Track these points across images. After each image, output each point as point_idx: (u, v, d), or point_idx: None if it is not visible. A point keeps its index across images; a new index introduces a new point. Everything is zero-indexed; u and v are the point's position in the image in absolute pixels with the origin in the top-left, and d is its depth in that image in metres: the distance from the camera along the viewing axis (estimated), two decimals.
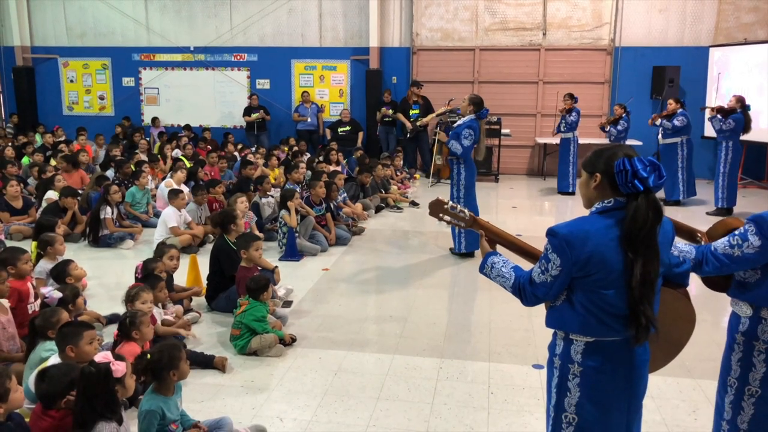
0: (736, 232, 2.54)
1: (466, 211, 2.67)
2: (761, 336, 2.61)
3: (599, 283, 2.17)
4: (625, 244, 2.13)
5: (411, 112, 12.25)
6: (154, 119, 13.90)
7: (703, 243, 2.85)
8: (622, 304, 2.17)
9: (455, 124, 7.11)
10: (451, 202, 2.67)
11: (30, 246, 5.88)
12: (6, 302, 4.17)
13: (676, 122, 9.60)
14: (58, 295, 4.19)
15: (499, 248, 2.64)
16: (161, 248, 5.28)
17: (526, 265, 2.44)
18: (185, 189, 8.21)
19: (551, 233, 2.22)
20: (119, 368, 2.89)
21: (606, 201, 2.22)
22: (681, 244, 2.58)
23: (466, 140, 6.75)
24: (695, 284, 2.79)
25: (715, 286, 2.79)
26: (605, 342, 2.22)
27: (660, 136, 10.04)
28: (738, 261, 2.52)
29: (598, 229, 2.17)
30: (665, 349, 2.46)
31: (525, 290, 2.33)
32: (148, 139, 12.70)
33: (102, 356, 2.93)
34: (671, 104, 9.79)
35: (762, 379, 2.63)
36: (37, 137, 12.67)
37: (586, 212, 2.32)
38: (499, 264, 2.46)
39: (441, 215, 2.69)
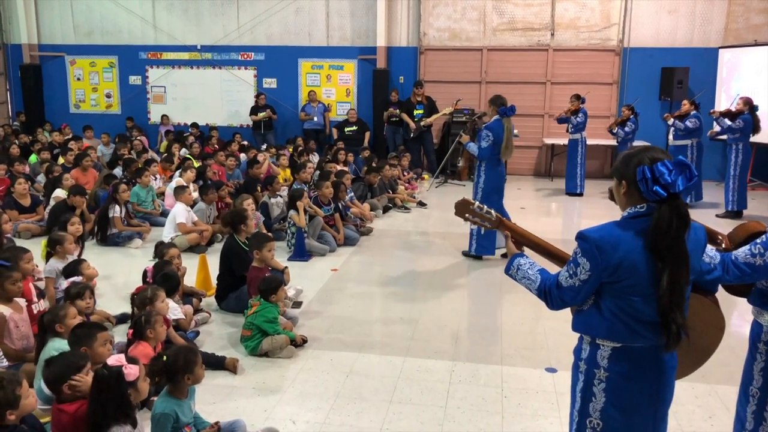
0: (758, 241, 2.49)
1: (492, 212, 2.64)
2: None
3: (629, 289, 2.13)
4: (651, 252, 2.10)
5: (415, 112, 12.22)
6: (164, 117, 13.88)
7: (723, 246, 2.81)
8: (650, 311, 2.13)
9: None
10: (477, 203, 2.64)
11: (39, 244, 5.88)
12: (23, 301, 4.15)
13: (688, 123, 9.53)
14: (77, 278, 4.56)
15: (526, 250, 2.60)
16: (160, 249, 5.28)
17: (552, 268, 2.41)
18: (192, 187, 8.20)
19: (582, 237, 2.18)
20: (132, 372, 2.87)
21: (639, 206, 2.18)
22: (707, 249, 2.53)
23: (483, 141, 6.62)
24: None
25: (734, 291, 2.75)
26: (633, 348, 2.18)
27: (671, 136, 9.97)
28: (759, 270, 2.48)
29: (630, 234, 2.14)
30: (693, 357, 2.42)
31: (551, 294, 2.29)
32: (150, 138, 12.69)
33: (115, 359, 2.90)
34: (685, 105, 9.72)
35: None
36: (45, 134, 12.64)
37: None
38: (525, 266, 2.43)
39: (467, 215, 2.65)
